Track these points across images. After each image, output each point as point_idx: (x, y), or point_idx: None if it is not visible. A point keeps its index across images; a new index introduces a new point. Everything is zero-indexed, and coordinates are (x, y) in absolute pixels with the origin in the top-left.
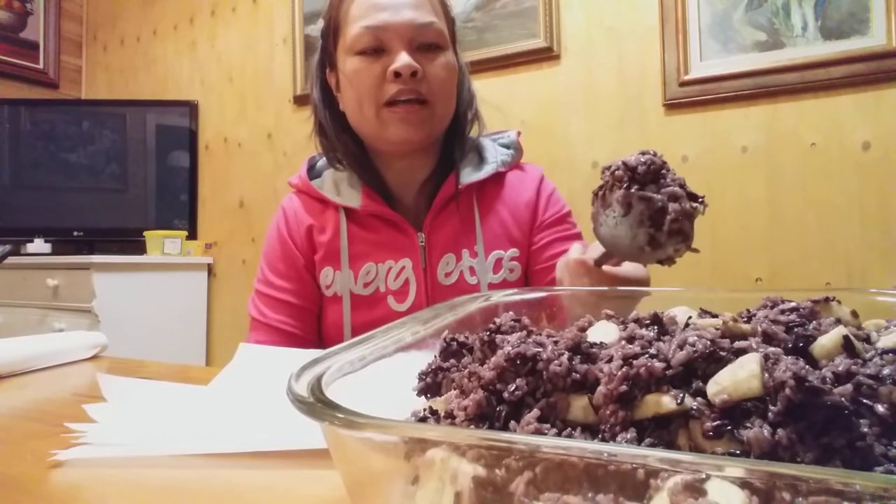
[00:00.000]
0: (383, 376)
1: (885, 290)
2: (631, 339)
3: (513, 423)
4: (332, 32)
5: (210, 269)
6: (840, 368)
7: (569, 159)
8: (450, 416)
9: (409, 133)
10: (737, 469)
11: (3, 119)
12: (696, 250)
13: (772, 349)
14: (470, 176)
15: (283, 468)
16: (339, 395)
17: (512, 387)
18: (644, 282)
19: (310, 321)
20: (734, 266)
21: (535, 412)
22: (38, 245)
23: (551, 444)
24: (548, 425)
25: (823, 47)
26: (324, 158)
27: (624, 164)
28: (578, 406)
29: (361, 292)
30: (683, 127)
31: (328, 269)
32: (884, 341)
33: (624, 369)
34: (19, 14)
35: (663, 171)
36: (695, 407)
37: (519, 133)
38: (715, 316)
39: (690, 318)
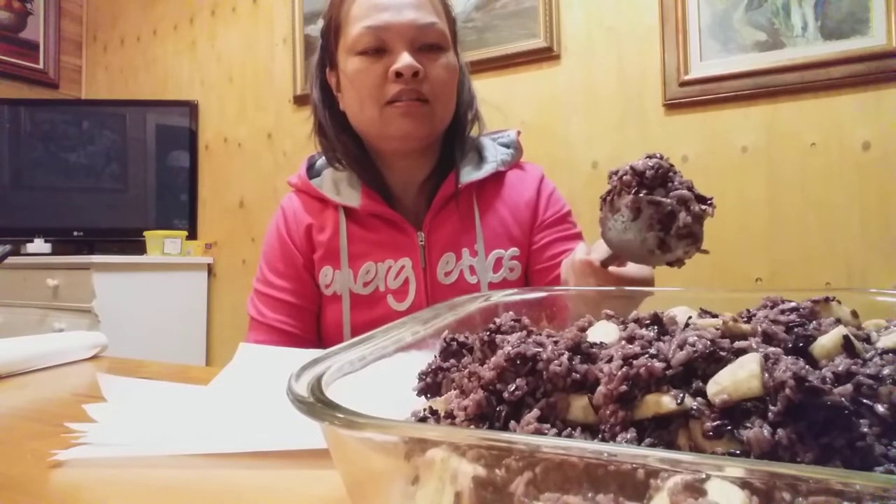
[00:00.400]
0: (383, 376)
1: (885, 290)
2: (631, 339)
3: (513, 423)
4: (332, 32)
5: (210, 269)
6: (840, 368)
7: (569, 159)
8: (450, 416)
9: (411, 128)
10: (737, 469)
11: (3, 119)
12: (705, 251)
13: (772, 349)
14: (470, 175)
15: (283, 468)
16: (339, 395)
17: (512, 387)
18: (649, 282)
19: (309, 321)
20: (734, 266)
21: (535, 412)
22: (38, 245)
23: (551, 444)
24: (548, 425)
25: (823, 47)
26: (323, 157)
27: (632, 168)
28: (578, 406)
29: (361, 291)
30: (683, 127)
31: (327, 269)
32: (884, 341)
33: (624, 369)
34: (19, 14)
35: (670, 174)
36: (695, 407)
37: (519, 132)
38: (715, 316)
39: (690, 318)
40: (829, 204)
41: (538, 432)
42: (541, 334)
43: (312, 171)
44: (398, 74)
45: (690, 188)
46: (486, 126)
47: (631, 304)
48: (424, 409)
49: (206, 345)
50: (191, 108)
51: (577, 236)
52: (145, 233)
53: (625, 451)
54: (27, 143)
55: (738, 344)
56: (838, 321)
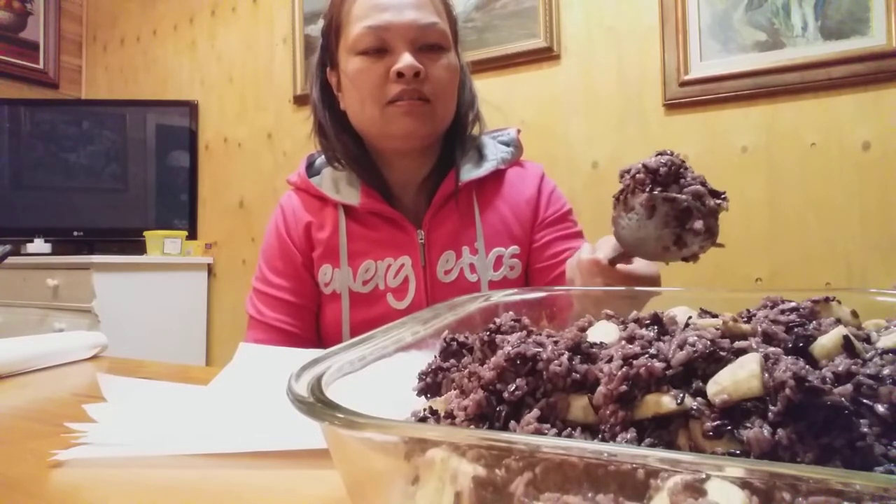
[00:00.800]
0: (383, 376)
1: (885, 290)
2: (631, 339)
3: (513, 423)
4: (333, 32)
5: (210, 269)
6: (840, 368)
7: (569, 159)
8: (450, 416)
9: (413, 126)
10: (737, 469)
11: (3, 119)
12: (721, 245)
13: (772, 349)
14: (470, 173)
15: (283, 468)
16: (339, 395)
17: (512, 387)
18: (656, 279)
19: (308, 319)
20: (734, 266)
21: (535, 412)
22: (38, 245)
23: (551, 444)
24: (548, 425)
25: (823, 47)
26: (323, 156)
27: (644, 166)
28: (578, 406)
29: (360, 290)
30: (683, 127)
31: (327, 267)
32: (884, 341)
33: (624, 369)
34: (19, 14)
35: (682, 170)
36: (695, 407)
37: (519, 130)
38: (715, 316)
39: (690, 318)
40: (829, 204)
41: (538, 432)
42: (541, 334)
43: (312, 170)
44: (399, 74)
45: (703, 183)
46: (486, 126)
47: (636, 304)
48: (424, 409)
49: (206, 345)
50: (191, 108)
51: (578, 235)
52: (145, 233)
53: (625, 451)
54: (27, 143)
55: (738, 344)
56: (838, 321)
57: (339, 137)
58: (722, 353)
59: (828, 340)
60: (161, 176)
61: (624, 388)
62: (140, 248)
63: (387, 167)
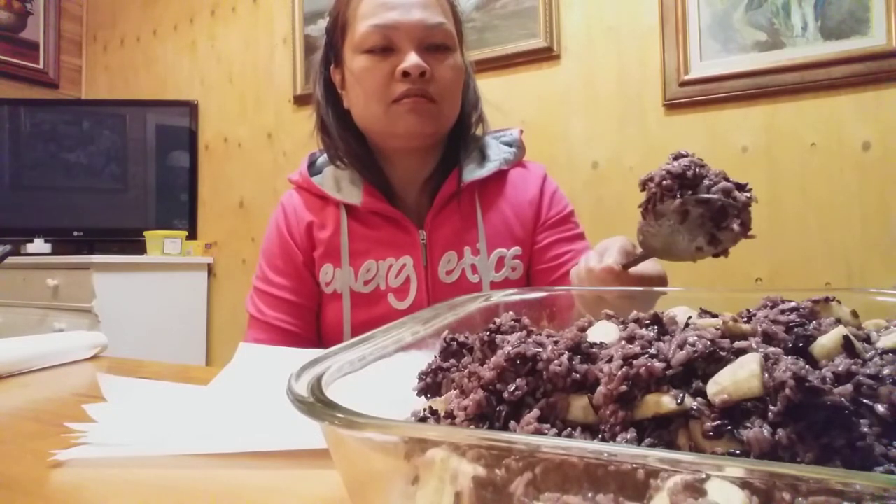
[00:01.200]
0: (383, 376)
1: (885, 290)
2: (631, 339)
3: (513, 423)
4: (339, 29)
5: (210, 269)
6: (840, 368)
7: (569, 159)
8: (450, 416)
9: (418, 125)
10: (737, 469)
11: (3, 119)
12: (753, 236)
13: (772, 349)
14: (472, 173)
15: (283, 468)
16: (339, 395)
17: (512, 387)
18: (664, 279)
19: (309, 319)
20: (734, 266)
21: (535, 412)
22: (38, 245)
23: (551, 444)
24: (548, 425)
25: (823, 47)
26: (325, 155)
27: (669, 172)
28: (578, 406)
29: (362, 290)
30: (683, 127)
31: (328, 267)
32: (884, 341)
33: (624, 369)
34: (19, 14)
35: (702, 169)
36: (695, 407)
37: (521, 131)
38: (715, 316)
39: (690, 318)
40: (829, 204)
41: (538, 432)
42: (541, 334)
43: (313, 169)
44: (405, 74)
45: (727, 178)
46: (489, 126)
47: (649, 304)
48: (424, 409)
49: (206, 345)
50: (191, 108)
51: (580, 237)
52: (145, 233)
53: (625, 451)
54: (27, 143)
55: (738, 344)
56: (838, 321)
57: (342, 135)
58: (722, 353)
59: (828, 340)
60: (161, 176)
61: (624, 388)
62: (140, 248)
63: (389, 166)
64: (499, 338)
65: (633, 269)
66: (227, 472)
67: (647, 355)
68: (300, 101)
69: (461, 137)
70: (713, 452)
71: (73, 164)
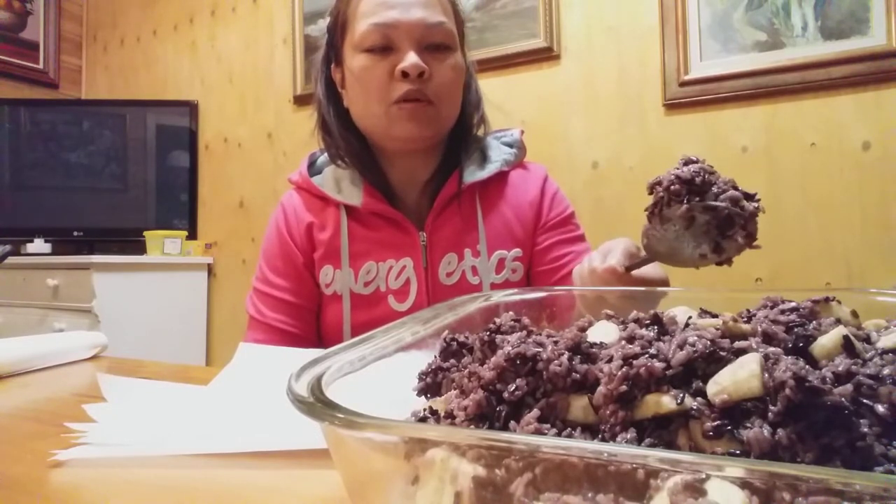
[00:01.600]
0: (383, 376)
1: (885, 290)
2: (631, 339)
3: (513, 423)
4: (339, 28)
5: (210, 269)
6: (840, 368)
7: (569, 159)
8: (450, 416)
9: (416, 130)
10: (737, 469)
11: (3, 119)
12: (758, 246)
13: (772, 349)
14: (473, 175)
15: (283, 468)
16: (339, 395)
17: (512, 387)
18: (666, 280)
19: (308, 320)
20: (734, 266)
21: (535, 412)
22: (38, 245)
23: (551, 444)
24: (548, 425)
25: (823, 47)
26: (325, 155)
27: (677, 177)
28: (578, 406)
29: (361, 291)
30: (683, 127)
31: (328, 268)
32: (884, 341)
33: (624, 369)
34: (19, 14)
35: (711, 176)
36: (695, 407)
37: (522, 132)
38: (715, 316)
39: (690, 318)
40: (829, 204)
41: (538, 432)
42: (541, 334)
43: (313, 169)
44: (404, 74)
45: (735, 186)
46: (490, 127)
47: (651, 305)
48: (424, 409)
49: (206, 345)
50: (191, 108)
51: (581, 238)
52: (145, 233)
53: (625, 451)
54: (27, 143)
55: (738, 344)
56: (838, 321)
57: (343, 134)
58: (722, 353)
59: (828, 340)
60: (161, 176)
61: (624, 388)
62: (140, 248)
63: (390, 166)
64: (499, 338)
65: (635, 272)
66: (227, 472)
67: (647, 355)
68: (300, 101)
69: (462, 138)
70: (713, 452)
71: (73, 164)
